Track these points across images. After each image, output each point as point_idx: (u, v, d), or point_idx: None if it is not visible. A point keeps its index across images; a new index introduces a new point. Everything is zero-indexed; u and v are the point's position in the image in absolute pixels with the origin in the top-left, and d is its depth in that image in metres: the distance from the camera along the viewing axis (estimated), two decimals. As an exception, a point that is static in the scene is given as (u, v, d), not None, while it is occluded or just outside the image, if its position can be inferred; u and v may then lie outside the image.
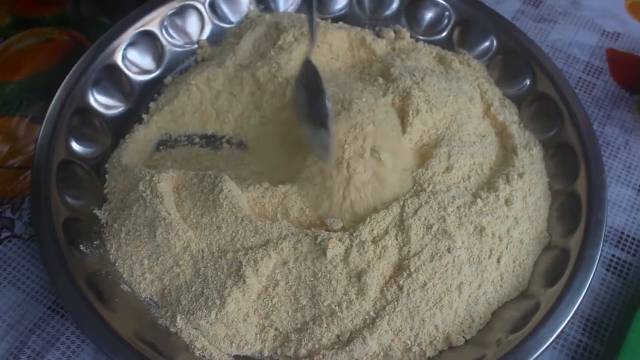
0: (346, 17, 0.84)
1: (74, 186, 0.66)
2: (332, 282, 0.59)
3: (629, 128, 0.77)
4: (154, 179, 0.63)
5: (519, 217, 0.65)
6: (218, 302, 0.58)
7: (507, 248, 0.63)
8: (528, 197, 0.66)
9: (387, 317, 0.58)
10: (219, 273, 0.59)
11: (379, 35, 0.82)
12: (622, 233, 0.69)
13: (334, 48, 0.78)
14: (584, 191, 0.65)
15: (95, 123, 0.71)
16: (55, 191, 0.63)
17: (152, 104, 0.75)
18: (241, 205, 0.62)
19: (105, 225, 0.65)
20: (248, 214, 0.62)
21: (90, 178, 0.68)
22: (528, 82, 0.76)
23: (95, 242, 0.63)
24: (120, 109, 0.73)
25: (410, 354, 0.58)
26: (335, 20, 0.83)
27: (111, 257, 0.63)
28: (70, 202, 0.64)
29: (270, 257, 0.59)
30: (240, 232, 0.61)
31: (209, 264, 0.60)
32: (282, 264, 0.60)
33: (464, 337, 0.59)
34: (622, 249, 0.68)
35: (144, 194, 0.63)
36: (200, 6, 0.79)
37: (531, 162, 0.69)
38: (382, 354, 0.58)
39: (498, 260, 0.62)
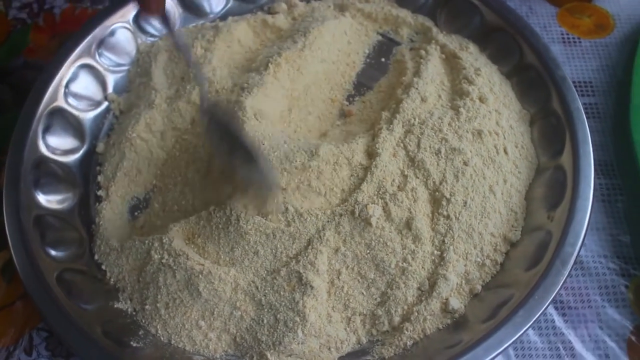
0: (231, 12, 0.81)
1: (81, 292, 0.59)
2: (388, 243, 0.58)
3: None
4: (164, 241, 0.59)
5: (497, 107, 0.67)
6: (298, 319, 0.55)
7: (505, 138, 0.65)
8: (493, 87, 0.69)
9: (451, 247, 0.59)
10: (281, 293, 0.57)
11: (270, 12, 0.81)
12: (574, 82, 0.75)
13: (243, 41, 0.76)
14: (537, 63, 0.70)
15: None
16: (71, 305, 0.57)
17: (100, 177, 0.68)
18: (265, 222, 0.59)
19: (134, 312, 0.59)
20: (275, 226, 0.59)
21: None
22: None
23: (140, 332, 0.58)
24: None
25: (486, 268, 0.60)
26: (223, 19, 0.80)
27: (163, 338, 0.57)
28: (90, 308, 0.58)
29: (322, 252, 0.58)
30: (279, 246, 0.58)
31: (267, 290, 0.57)
32: (335, 252, 0.58)
33: (516, 230, 0.62)
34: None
35: (164, 260, 0.58)
36: (92, 62, 0.73)
37: (475, 58, 0.72)
38: (463, 282, 0.59)
39: (505, 152, 0.65)
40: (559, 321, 0.60)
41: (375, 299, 0.58)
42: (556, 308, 0.60)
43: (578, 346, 0.58)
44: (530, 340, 0.59)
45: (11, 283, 0.65)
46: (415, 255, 0.58)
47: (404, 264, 0.58)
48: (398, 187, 0.61)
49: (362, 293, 0.58)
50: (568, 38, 0.79)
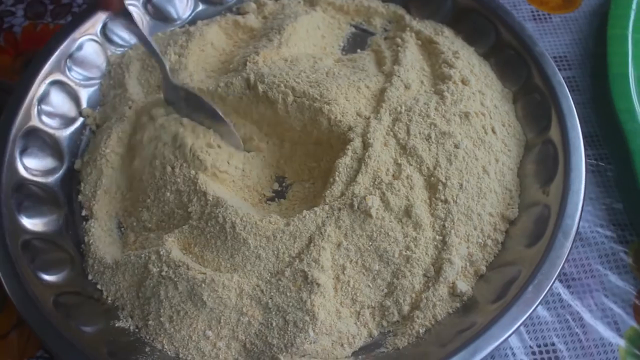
0: (200, 17, 0.80)
1: (79, 314, 0.57)
2: (389, 233, 0.58)
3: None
4: (162, 253, 0.57)
5: (480, 88, 0.68)
6: (307, 318, 0.54)
7: (492, 118, 0.66)
8: (473, 69, 0.69)
9: (452, 231, 0.59)
10: (288, 293, 0.56)
11: (240, 12, 0.79)
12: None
13: (216, 44, 0.75)
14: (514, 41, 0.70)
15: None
16: (72, 328, 0.54)
17: (80, 196, 0.66)
18: (262, 225, 0.58)
19: (137, 330, 0.57)
20: (274, 227, 0.58)
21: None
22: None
23: (146, 350, 0.56)
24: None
25: (488, 249, 0.60)
26: (192, 23, 0.78)
27: (170, 353, 0.56)
28: (91, 330, 0.56)
29: (324, 249, 0.57)
30: (280, 247, 0.57)
31: (273, 293, 0.56)
32: (337, 247, 0.58)
33: (513, 208, 0.62)
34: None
35: (164, 273, 0.56)
36: (62, 78, 0.70)
37: (451, 41, 0.73)
38: (467, 264, 0.59)
39: (493, 131, 0.65)
40: (564, 294, 0.60)
41: (382, 290, 0.58)
42: (560, 281, 0.61)
43: (586, 316, 0.59)
44: (539, 316, 0.59)
45: (2, 313, 0.62)
46: (417, 242, 0.58)
47: (408, 252, 0.58)
48: (393, 176, 0.61)
49: (369, 285, 0.57)
50: (538, 15, 0.80)
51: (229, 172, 0.64)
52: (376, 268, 0.58)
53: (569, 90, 0.66)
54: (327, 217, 0.58)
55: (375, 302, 0.57)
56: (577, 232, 0.60)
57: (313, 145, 0.67)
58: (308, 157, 0.67)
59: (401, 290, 0.57)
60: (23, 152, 0.65)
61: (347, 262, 0.57)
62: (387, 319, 0.57)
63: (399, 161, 0.61)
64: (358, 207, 0.58)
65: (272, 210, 0.63)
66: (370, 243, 0.58)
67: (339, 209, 0.59)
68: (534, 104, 0.67)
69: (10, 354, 0.60)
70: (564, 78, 0.67)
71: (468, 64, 0.70)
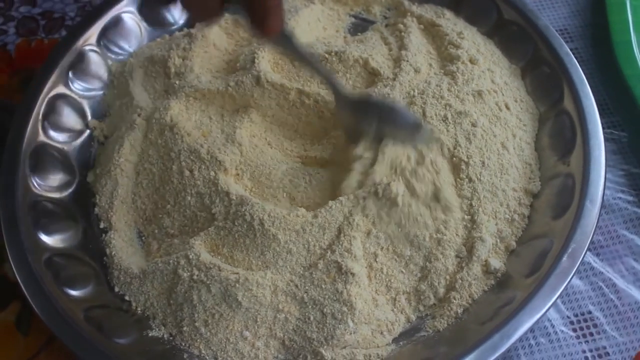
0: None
1: (111, 327, 0.56)
2: (418, 218, 0.57)
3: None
4: (191, 257, 0.56)
5: (489, 66, 0.68)
6: (345, 309, 0.54)
7: (504, 94, 0.66)
8: (479, 48, 0.69)
9: (479, 209, 0.58)
10: (323, 286, 0.55)
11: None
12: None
13: (218, 44, 0.74)
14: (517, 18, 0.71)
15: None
16: (106, 341, 0.53)
17: (97, 209, 0.65)
18: (290, 219, 0.57)
19: (171, 337, 0.56)
20: (303, 220, 0.57)
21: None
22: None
23: (185, 356, 0.55)
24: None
25: (515, 224, 0.60)
26: (190, 27, 0.78)
27: (208, 357, 0.55)
28: (124, 342, 0.55)
29: (355, 238, 0.56)
30: (310, 240, 0.57)
31: (308, 287, 0.55)
32: (367, 235, 0.57)
33: (534, 181, 0.62)
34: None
35: (195, 277, 0.55)
36: (66, 91, 0.69)
37: (454, 23, 0.73)
38: (498, 241, 0.59)
39: (507, 107, 0.65)
40: (594, 262, 0.60)
41: (416, 275, 0.57)
42: (590, 250, 0.61)
43: (619, 282, 0.59)
44: (572, 285, 0.59)
45: (29, 335, 0.61)
46: (448, 225, 0.58)
47: (438, 235, 0.57)
48: (417, 162, 0.60)
49: (402, 271, 0.57)
50: (535, -11, 0.81)
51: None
52: (408, 253, 0.57)
53: (575, 62, 0.66)
54: (353, 206, 0.58)
55: (410, 288, 0.57)
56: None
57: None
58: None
59: (435, 273, 0.57)
60: (34, 170, 0.64)
61: (378, 250, 0.57)
62: (423, 303, 0.57)
63: (419, 146, 0.61)
64: (383, 195, 0.57)
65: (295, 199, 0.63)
66: (400, 229, 0.57)
67: (364, 198, 0.58)
68: (543, 77, 0.68)
69: (41, 375, 0.59)
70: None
71: (473, 43, 0.70)
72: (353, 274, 0.55)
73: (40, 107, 0.67)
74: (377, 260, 0.57)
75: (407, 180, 0.58)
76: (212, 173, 0.61)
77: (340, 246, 0.56)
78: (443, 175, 0.59)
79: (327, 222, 0.57)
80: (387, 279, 0.57)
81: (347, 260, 0.55)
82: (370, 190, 0.58)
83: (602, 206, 0.62)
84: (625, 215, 0.63)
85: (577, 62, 0.65)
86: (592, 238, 0.55)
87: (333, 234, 0.57)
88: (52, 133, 0.67)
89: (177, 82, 0.68)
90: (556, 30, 0.73)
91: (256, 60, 0.67)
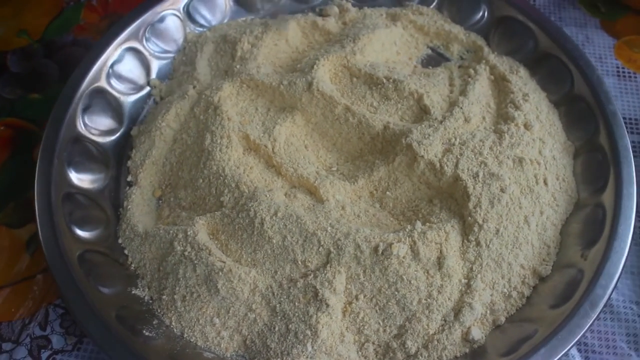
0: (283, 10, 0.81)
1: (100, 275, 0.59)
2: (412, 282, 0.56)
3: (583, 23, 0.80)
4: (189, 233, 0.58)
5: (542, 136, 0.65)
6: (309, 332, 0.54)
7: (547, 169, 0.63)
8: (539, 115, 0.67)
9: (478, 275, 0.57)
10: (296, 304, 0.55)
11: (321, 14, 0.80)
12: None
13: (291, 41, 0.75)
14: (588, 95, 0.68)
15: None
16: (90, 285, 0.57)
17: (129, 162, 0.68)
18: (290, 226, 0.58)
19: (151, 301, 0.59)
20: (302, 229, 0.58)
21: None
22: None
23: (154, 322, 0.57)
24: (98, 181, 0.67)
25: (512, 300, 0.58)
26: (273, 16, 0.80)
27: (176, 330, 0.57)
28: (107, 292, 0.58)
29: (340, 273, 0.56)
30: (300, 256, 0.57)
31: (282, 299, 0.56)
32: (353, 278, 0.56)
33: (547, 265, 0.59)
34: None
35: (186, 253, 0.57)
36: (138, 46, 0.73)
37: (524, 82, 0.71)
38: (488, 312, 0.57)
39: (545, 183, 0.63)
40: (579, 364, 0.58)
41: (392, 331, 0.56)
42: (579, 350, 0.58)
43: (598, 393, 0.56)
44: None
45: (34, 256, 0.65)
46: (442, 290, 0.56)
47: (428, 299, 0.56)
48: (428, 218, 0.59)
49: (379, 323, 0.56)
50: (623, 72, 0.77)
51: None
52: (390, 310, 0.56)
53: (637, 156, 0.63)
54: (348, 243, 0.57)
55: (382, 341, 0.56)
56: (609, 305, 0.58)
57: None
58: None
59: (412, 333, 0.55)
60: (86, 110, 0.68)
61: (360, 295, 0.56)
62: (390, 358, 0.56)
63: (435, 201, 0.60)
64: (382, 253, 0.56)
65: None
66: (388, 287, 0.56)
67: (363, 240, 0.57)
68: (594, 163, 0.65)
69: (33, 295, 0.63)
70: (634, 142, 0.64)
71: (536, 108, 0.67)
72: (327, 305, 0.55)
73: (110, 54, 0.71)
74: (357, 303, 0.56)
75: (413, 242, 0.56)
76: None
77: (323, 274, 0.56)
78: (451, 240, 0.58)
79: (321, 244, 0.57)
80: (361, 324, 0.56)
81: (325, 290, 0.55)
82: (368, 239, 0.57)
83: (609, 311, 0.60)
84: (630, 327, 0.59)
85: (632, 158, 0.62)
86: (580, 340, 0.53)
87: (323, 258, 0.57)
88: (114, 81, 0.71)
89: (238, 65, 0.70)
90: (630, 119, 0.71)
91: (315, 67, 0.68)
